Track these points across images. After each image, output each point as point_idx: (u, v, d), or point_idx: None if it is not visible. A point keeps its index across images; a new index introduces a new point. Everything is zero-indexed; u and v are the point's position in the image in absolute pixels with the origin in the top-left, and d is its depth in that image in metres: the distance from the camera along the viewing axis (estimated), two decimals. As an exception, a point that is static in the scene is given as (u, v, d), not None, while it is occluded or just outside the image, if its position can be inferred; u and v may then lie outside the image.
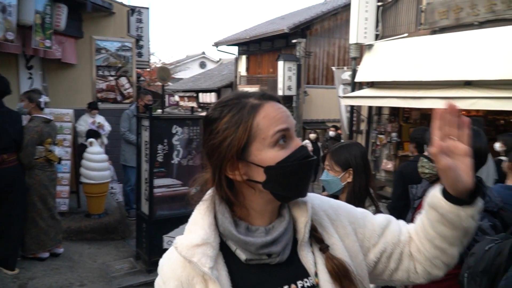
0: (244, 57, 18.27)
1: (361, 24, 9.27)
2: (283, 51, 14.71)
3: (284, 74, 12.99)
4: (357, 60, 9.82)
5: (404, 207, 3.35)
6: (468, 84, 7.45)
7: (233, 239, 0.92)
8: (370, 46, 9.48)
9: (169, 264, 0.95)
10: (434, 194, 0.96)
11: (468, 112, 8.70)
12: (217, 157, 0.91)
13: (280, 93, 13.28)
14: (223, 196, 0.94)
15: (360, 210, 1.10)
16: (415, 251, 1.03)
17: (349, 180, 2.03)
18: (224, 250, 0.94)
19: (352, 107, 9.99)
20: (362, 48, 9.72)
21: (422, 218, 1.02)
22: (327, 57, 15.12)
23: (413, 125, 10.09)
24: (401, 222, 1.10)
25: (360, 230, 1.04)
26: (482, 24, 7.35)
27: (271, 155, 0.88)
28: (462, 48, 7.47)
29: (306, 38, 14.00)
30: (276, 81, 14.00)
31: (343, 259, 0.95)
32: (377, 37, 9.57)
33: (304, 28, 14.23)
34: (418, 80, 8.09)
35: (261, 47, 16.77)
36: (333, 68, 11.43)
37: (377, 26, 9.54)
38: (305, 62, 13.68)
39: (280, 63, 13.07)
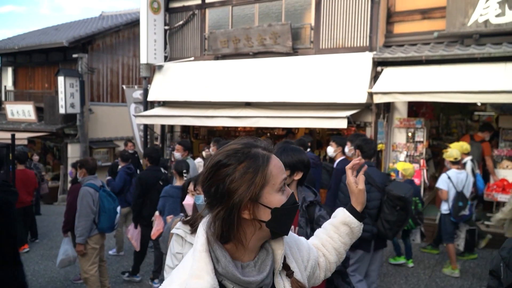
0: (10, 69, 15.83)
1: (150, 45, 9.55)
2: (61, 65, 13.52)
3: (66, 91, 11.99)
4: (148, 79, 10.04)
5: (142, 204, 5.23)
6: (248, 104, 8.70)
7: (235, 280, 1.01)
8: (160, 67, 9.86)
9: None
10: (347, 215, 1.45)
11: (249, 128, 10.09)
12: (235, 198, 1.00)
13: (62, 111, 12.18)
14: (221, 235, 1.04)
15: (296, 236, 1.36)
16: (321, 260, 1.44)
17: None
18: None
19: (145, 125, 10.11)
20: (153, 68, 10.01)
21: (328, 233, 1.48)
22: (111, 74, 14.71)
23: (202, 141, 10.98)
24: (308, 240, 1.47)
25: (300, 253, 1.29)
26: (256, 55, 8.75)
27: (278, 199, 1.05)
28: (241, 73, 8.69)
29: (88, 53, 13.30)
30: (55, 98, 12.76)
31: (302, 281, 1.19)
32: (166, 59, 10.03)
33: (85, 43, 13.48)
34: (206, 100, 8.93)
35: (32, 59, 14.92)
36: (124, 87, 11.30)
37: (165, 48, 10.00)
38: (88, 78, 12.96)
39: (61, 79, 12.00)
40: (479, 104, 8.80)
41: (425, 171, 7.23)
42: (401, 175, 5.69)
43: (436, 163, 8.70)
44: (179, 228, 2.39)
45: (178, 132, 10.63)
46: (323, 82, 7.61)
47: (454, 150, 5.54)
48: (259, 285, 1.06)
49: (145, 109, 10.07)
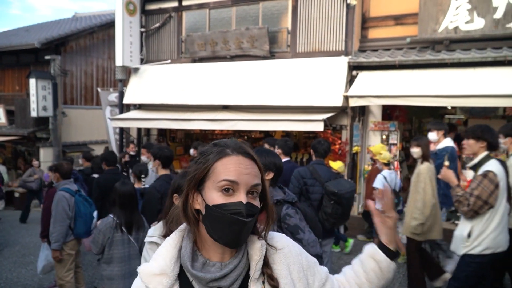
0: (-23, 71, 15.28)
1: (126, 47, 9.44)
2: (33, 67, 13.17)
3: (38, 93, 11.67)
4: (124, 82, 9.91)
5: (101, 207, 4.99)
6: (225, 108, 8.72)
7: (189, 271, 1.06)
8: (136, 69, 9.76)
9: (136, 285, 1.11)
10: (374, 248, 1.33)
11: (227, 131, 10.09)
12: (185, 184, 1.11)
13: (33, 114, 11.84)
14: (190, 224, 1.10)
15: (313, 258, 1.27)
16: None
17: None
18: (183, 279, 1.08)
19: (121, 128, 9.97)
20: (128, 71, 9.89)
21: (355, 269, 1.37)
22: (85, 76, 14.42)
23: (179, 144, 10.91)
24: (333, 275, 1.38)
25: (311, 277, 1.22)
26: (233, 58, 8.79)
27: (214, 197, 1.04)
28: (219, 76, 8.70)
29: (61, 55, 13.00)
30: (26, 100, 12.41)
31: None
32: (142, 61, 9.93)
33: (58, 45, 13.18)
34: (183, 103, 8.89)
35: (1, 61, 14.46)
36: (99, 89, 11.11)
37: (141, 50, 9.91)
38: (61, 81, 12.67)
39: (32, 81, 11.68)
40: (449, 107, 9.09)
41: (398, 172, 7.41)
42: (379, 164, 5.80)
43: (409, 165, 8.93)
44: (153, 236, 2.30)
45: (154, 136, 10.53)
46: (300, 86, 7.70)
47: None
48: (214, 285, 1.05)
49: (121, 112, 9.93)
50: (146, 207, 3.85)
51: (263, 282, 1.10)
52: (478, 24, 6.72)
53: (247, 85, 8.26)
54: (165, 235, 2.26)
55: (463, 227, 3.44)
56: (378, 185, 5.54)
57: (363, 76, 7.25)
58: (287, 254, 1.17)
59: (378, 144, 6.39)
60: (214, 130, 10.94)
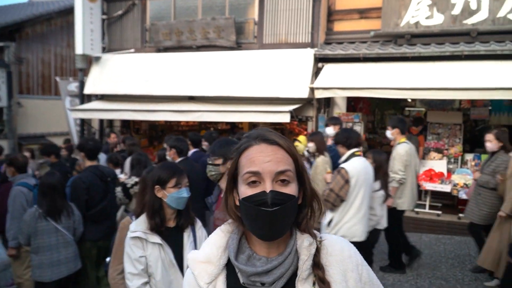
0: None
1: (86, 35, 9.09)
2: (-16, 54, 12.44)
3: (-9, 82, 11.06)
4: (85, 71, 9.56)
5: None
6: (191, 98, 8.61)
7: (233, 262, 1.06)
8: (97, 58, 9.42)
9: (187, 272, 1.14)
10: None
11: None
12: (227, 182, 1.11)
13: (-14, 104, 11.22)
14: (235, 220, 1.10)
15: (376, 277, 1.18)
16: None
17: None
18: (230, 269, 1.08)
19: (82, 119, 9.63)
20: (89, 60, 9.54)
21: None
22: (42, 65, 13.77)
23: (144, 136, 10.69)
24: None
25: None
26: (199, 48, 8.66)
27: (242, 190, 1.03)
28: (185, 66, 8.56)
29: (16, 42, 12.34)
30: (-22, 90, 11.73)
31: None
32: (104, 50, 9.60)
33: (13, 31, 12.49)
34: (148, 94, 8.69)
35: (-51, 47, 13.56)
36: (57, 79, 10.64)
37: (103, 38, 9.57)
38: (17, 69, 12.06)
39: (-16, 69, 11.05)
40: (409, 100, 9.41)
41: (362, 163, 7.61)
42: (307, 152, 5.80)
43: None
44: (136, 231, 2.25)
45: (118, 127, 10.24)
46: (267, 77, 7.71)
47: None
48: (256, 279, 1.02)
49: (82, 102, 9.59)
50: (72, 197, 3.92)
51: (314, 284, 1.05)
52: (437, 19, 6.97)
53: (213, 76, 8.18)
54: (152, 229, 2.25)
55: (327, 217, 3.79)
56: None
57: (328, 68, 7.36)
58: (346, 260, 1.10)
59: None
60: (179, 122, 10.80)
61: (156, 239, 2.25)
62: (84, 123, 9.80)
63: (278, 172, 1.01)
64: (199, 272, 1.07)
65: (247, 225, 1.05)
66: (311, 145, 5.10)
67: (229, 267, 1.08)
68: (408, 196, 5.08)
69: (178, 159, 4.57)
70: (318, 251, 1.07)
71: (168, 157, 4.82)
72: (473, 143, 8.16)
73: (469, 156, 7.29)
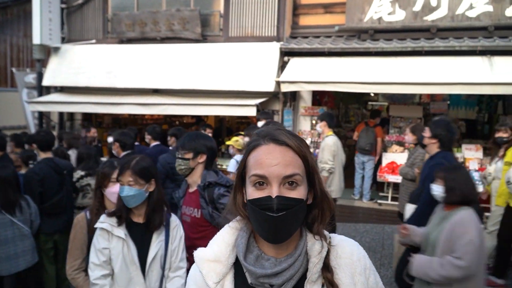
0: None
1: (45, 24, 8.71)
2: None
3: None
4: (43, 62, 9.16)
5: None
6: (156, 91, 8.44)
7: (241, 262, 1.03)
8: (57, 49, 9.05)
9: (193, 268, 1.10)
10: None
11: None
12: (235, 179, 1.09)
13: None
14: (243, 218, 1.06)
15: (381, 282, 1.16)
16: None
17: (151, 189, 2.24)
18: (238, 268, 1.05)
19: (41, 112, 9.24)
20: (48, 50, 9.15)
21: None
22: (-3, 55, 13.11)
23: (106, 129, 10.39)
24: None
25: None
26: (163, 40, 8.49)
27: (249, 191, 1.01)
28: (149, 59, 8.36)
29: (-33, 30, 11.68)
30: None
31: None
32: (63, 40, 9.24)
33: (-36, 18, 11.80)
34: (110, 86, 8.45)
35: None
36: (13, 70, 10.13)
37: (62, 28, 9.20)
38: (-31, 59, 11.41)
39: None
40: (372, 94, 9.64)
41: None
42: (232, 149, 5.71)
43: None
44: (104, 222, 2.23)
45: (79, 120, 9.91)
46: (233, 70, 7.67)
47: (242, 141, 5.96)
48: (264, 281, 1.00)
49: (40, 95, 9.19)
50: (26, 190, 3.88)
51: (323, 286, 1.03)
52: (399, 15, 7.14)
53: (178, 69, 8.04)
54: (111, 215, 2.24)
55: None
56: (232, 169, 5.56)
57: (294, 62, 7.40)
58: (355, 263, 1.09)
59: (234, 138, 6.49)
60: (144, 115, 10.58)
61: (120, 233, 2.21)
62: (43, 116, 9.41)
63: (285, 176, 0.98)
64: (208, 271, 1.04)
65: (254, 226, 1.03)
66: (248, 140, 5.12)
67: (237, 266, 1.05)
68: (336, 184, 5.39)
69: (123, 153, 4.54)
70: (328, 253, 1.06)
71: (113, 151, 4.82)
72: (432, 136, 8.44)
73: (428, 149, 7.54)
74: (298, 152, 1.01)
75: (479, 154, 6.95)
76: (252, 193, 1.00)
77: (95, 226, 2.27)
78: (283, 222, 0.96)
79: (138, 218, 2.28)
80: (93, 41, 9.02)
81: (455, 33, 6.99)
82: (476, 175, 6.47)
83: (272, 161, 0.98)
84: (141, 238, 2.24)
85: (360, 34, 7.45)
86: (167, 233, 2.30)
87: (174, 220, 2.36)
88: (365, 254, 1.14)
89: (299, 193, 0.99)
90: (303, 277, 1.03)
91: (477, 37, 6.81)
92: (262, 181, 0.98)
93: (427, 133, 3.46)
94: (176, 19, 8.15)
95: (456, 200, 2.62)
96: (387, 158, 7.49)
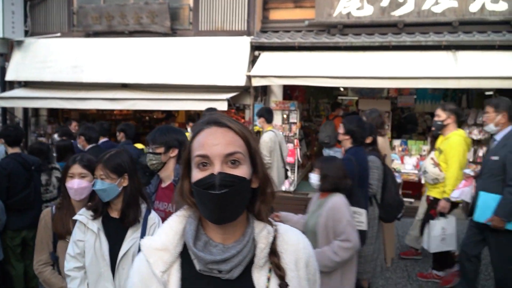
0: None
1: (7, 17, 8.36)
2: None
3: None
4: (6, 56, 8.82)
5: None
6: (125, 86, 8.27)
7: (190, 249, 1.03)
8: (20, 42, 8.73)
9: (137, 260, 1.08)
10: None
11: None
12: (181, 167, 1.10)
13: None
14: (190, 205, 1.05)
15: (319, 272, 1.20)
16: None
17: (125, 184, 2.21)
18: (185, 256, 1.05)
19: (4, 108, 8.90)
20: (11, 44, 8.81)
21: None
22: (-44, 48, 12.52)
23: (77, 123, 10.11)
24: None
25: (311, 286, 1.16)
26: (132, 34, 8.32)
27: (194, 174, 1.02)
28: (117, 53, 8.18)
29: None
30: None
31: None
32: (27, 33, 8.91)
33: None
34: (77, 81, 8.22)
35: None
36: (-27, 64, 9.71)
37: (26, 21, 8.87)
38: None
39: None
40: (342, 89, 9.77)
41: (298, 150, 7.79)
42: None
43: (308, 142, 9.44)
44: (82, 214, 2.23)
45: (44, 116, 9.61)
46: (203, 65, 7.60)
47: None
48: (213, 267, 1.01)
49: (3, 90, 8.84)
50: None
51: (270, 271, 1.06)
52: (367, 11, 7.25)
53: (147, 63, 7.90)
54: (88, 208, 2.25)
55: None
56: None
57: (265, 57, 7.40)
58: (300, 250, 1.12)
59: None
60: (112, 110, 10.36)
61: (94, 227, 2.20)
62: (6, 113, 9.07)
63: (227, 154, 1.00)
64: (155, 260, 1.03)
65: (200, 209, 1.03)
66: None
67: (184, 255, 1.06)
68: (275, 178, 5.61)
69: (88, 147, 4.66)
70: (274, 239, 1.08)
71: (78, 145, 4.92)
72: (400, 130, 8.66)
73: (396, 142, 7.71)
74: (239, 134, 1.04)
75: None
76: (196, 174, 1.01)
77: (74, 218, 2.27)
78: (227, 200, 0.97)
79: (114, 213, 2.26)
80: (58, 34, 8.74)
81: (421, 28, 7.16)
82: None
83: (213, 141, 1.01)
84: (115, 233, 2.21)
85: (330, 29, 7.52)
86: (144, 230, 2.25)
87: (153, 217, 2.31)
88: (309, 244, 1.17)
89: (242, 171, 1.01)
90: (251, 262, 1.05)
91: (442, 32, 7.01)
92: (205, 162, 1.00)
93: (341, 129, 3.59)
94: (145, 12, 8.00)
95: (328, 187, 2.88)
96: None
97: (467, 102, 9.14)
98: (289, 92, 8.53)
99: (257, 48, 7.53)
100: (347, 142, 3.53)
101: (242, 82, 7.27)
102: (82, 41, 8.53)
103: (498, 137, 3.65)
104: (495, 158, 3.53)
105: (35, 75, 8.52)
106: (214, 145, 1.00)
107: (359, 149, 3.50)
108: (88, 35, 8.63)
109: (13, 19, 8.55)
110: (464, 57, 6.61)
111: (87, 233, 2.21)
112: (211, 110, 6.17)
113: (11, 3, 8.44)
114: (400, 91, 8.37)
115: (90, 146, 4.61)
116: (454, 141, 4.20)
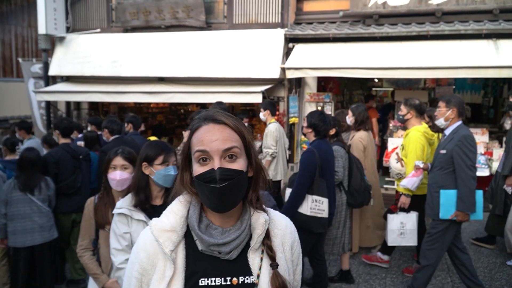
0: None
1: (50, 14, 8.73)
2: None
3: None
4: (48, 52, 9.22)
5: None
6: (161, 80, 8.48)
7: (194, 231, 1.15)
8: (62, 39, 9.09)
9: (143, 239, 1.19)
10: None
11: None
12: (181, 160, 1.20)
13: None
14: (191, 194, 1.17)
15: (301, 259, 1.35)
16: None
17: None
18: (188, 237, 1.18)
19: (48, 102, 9.33)
20: (53, 40, 9.19)
21: None
22: (3, 45, 13.15)
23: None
24: None
25: (295, 267, 1.30)
26: (168, 28, 8.50)
27: (195, 168, 1.12)
28: (154, 47, 8.38)
29: (-28, 21, 11.72)
30: None
31: (285, 276, 1.20)
32: (68, 30, 9.27)
33: (-32, 9, 11.84)
34: (116, 75, 8.50)
35: None
36: (20, 60, 10.18)
37: (67, 18, 9.23)
38: (-26, 50, 11.49)
39: None
40: (376, 80, 9.62)
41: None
42: None
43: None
44: (122, 207, 2.28)
45: (85, 110, 10.00)
46: (237, 58, 7.68)
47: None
48: (215, 249, 1.13)
49: (46, 84, 9.26)
50: (43, 171, 4.22)
51: (262, 252, 1.19)
52: (404, 0, 7.10)
53: (183, 57, 8.06)
54: (135, 205, 2.28)
55: None
56: None
57: (299, 49, 7.40)
58: (287, 235, 1.27)
59: None
60: (149, 103, 10.64)
61: (141, 216, 2.25)
62: (49, 106, 9.50)
63: (225, 149, 1.09)
64: (164, 240, 1.14)
65: (201, 198, 1.14)
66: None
67: (187, 236, 1.18)
68: (281, 167, 5.89)
69: (111, 138, 5.00)
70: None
71: (103, 137, 5.31)
72: (438, 121, 8.43)
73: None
74: (235, 129, 1.14)
75: (485, 138, 6.96)
76: (197, 169, 1.11)
77: (113, 212, 2.32)
78: (226, 192, 1.08)
79: (155, 200, 2.34)
80: (98, 30, 9.05)
81: (460, 16, 6.96)
82: (482, 159, 6.52)
83: (211, 137, 1.10)
84: None
85: (365, 19, 7.43)
86: None
87: None
88: (295, 229, 1.32)
89: (239, 165, 1.11)
90: (247, 245, 1.18)
91: (482, 21, 6.78)
92: (205, 157, 1.10)
93: (305, 123, 3.73)
94: (181, 7, 8.15)
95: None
96: (392, 143, 7.51)
97: (508, 92, 8.80)
98: (323, 84, 8.50)
99: (291, 40, 7.54)
100: (311, 135, 3.69)
101: (276, 75, 7.31)
102: (120, 36, 8.80)
103: (447, 131, 3.77)
104: (443, 151, 3.68)
105: (77, 70, 8.86)
106: (213, 141, 1.09)
107: (322, 141, 3.65)
108: (126, 30, 8.88)
109: (55, 16, 8.91)
110: (505, 46, 6.38)
111: (132, 224, 2.27)
112: (220, 104, 6.28)
113: (53, 1, 8.79)
114: (438, 81, 8.17)
115: (113, 137, 4.98)
116: (412, 136, 4.28)
